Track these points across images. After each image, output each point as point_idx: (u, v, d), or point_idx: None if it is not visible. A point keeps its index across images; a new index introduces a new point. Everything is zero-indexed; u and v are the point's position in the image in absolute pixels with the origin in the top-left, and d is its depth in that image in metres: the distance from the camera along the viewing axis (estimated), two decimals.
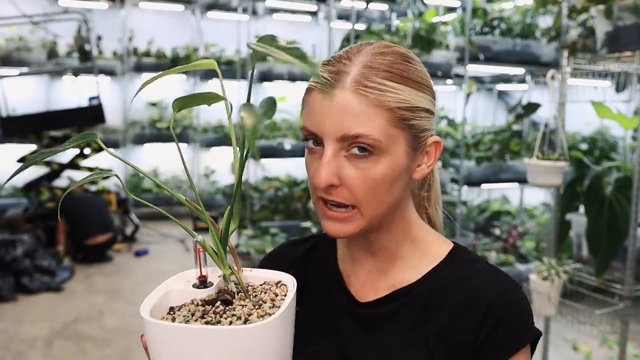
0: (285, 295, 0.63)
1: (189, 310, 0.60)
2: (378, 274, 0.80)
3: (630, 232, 2.24)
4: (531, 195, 5.84)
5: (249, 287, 0.65)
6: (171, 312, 0.61)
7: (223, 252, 0.63)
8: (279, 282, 0.66)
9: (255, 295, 0.63)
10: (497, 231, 5.06)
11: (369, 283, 0.80)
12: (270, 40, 0.56)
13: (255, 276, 0.67)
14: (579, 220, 3.09)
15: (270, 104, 0.54)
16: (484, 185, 4.76)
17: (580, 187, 2.65)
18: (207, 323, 0.57)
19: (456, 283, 0.76)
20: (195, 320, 0.58)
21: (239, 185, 0.60)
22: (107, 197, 5.77)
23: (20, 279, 4.32)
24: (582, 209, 2.75)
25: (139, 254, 5.46)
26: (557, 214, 2.63)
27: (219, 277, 0.64)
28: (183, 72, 7.55)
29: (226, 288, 0.63)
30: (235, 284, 0.63)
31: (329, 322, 0.80)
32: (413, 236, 0.79)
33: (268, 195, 5.76)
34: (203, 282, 0.64)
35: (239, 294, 0.63)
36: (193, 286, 0.64)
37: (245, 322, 0.57)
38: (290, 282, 0.65)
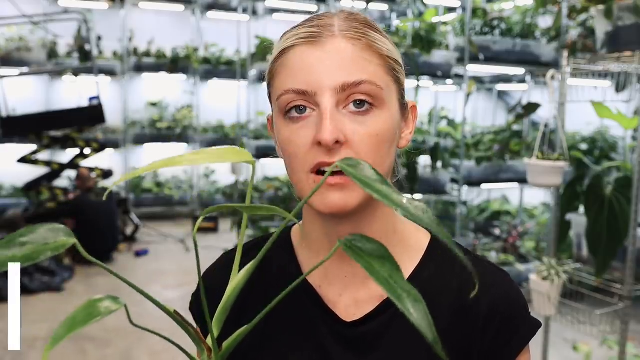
0: None
1: None
2: (356, 279, 0.69)
3: (630, 232, 2.23)
4: (531, 195, 5.84)
5: None
6: None
7: None
8: None
9: None
10: (497, 231, 5.06)
11: (348, 292, 0.69)
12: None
13: None
14: (579, 220, 3.09)
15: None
16: (484, 185, 4.76)
17: (580, 187, 2.65)
18: None
19: (447, 282, 0.69)
20: None
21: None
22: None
23: (20, 279, 4.32)
24: (582, 209, 2.74)
25: (139, 253, 5.46)
26: (557, 214, 2.63)
27: None
28: (183, 72, 7.55)
29: None
30: None
31: (310, 347, 0.68)
32: (395, 227, 0.69)
33: (268, 195, 5.75)
34: None
35: None
36: None
37: None
38: None
